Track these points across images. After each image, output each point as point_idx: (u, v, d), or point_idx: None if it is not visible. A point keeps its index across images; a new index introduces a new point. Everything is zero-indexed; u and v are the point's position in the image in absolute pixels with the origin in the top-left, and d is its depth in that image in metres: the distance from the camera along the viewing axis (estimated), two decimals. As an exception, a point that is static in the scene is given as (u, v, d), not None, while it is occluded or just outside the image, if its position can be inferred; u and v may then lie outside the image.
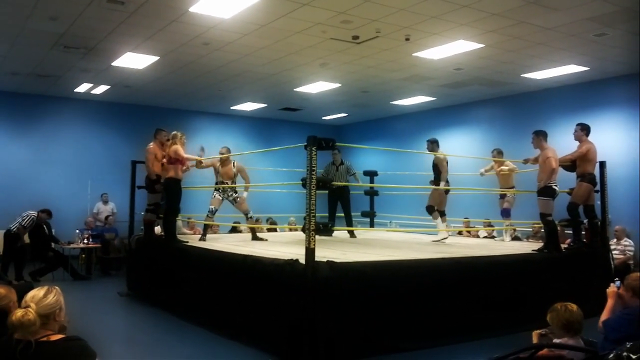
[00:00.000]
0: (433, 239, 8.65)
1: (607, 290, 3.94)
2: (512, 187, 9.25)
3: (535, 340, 3.50)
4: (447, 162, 8.43)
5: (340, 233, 9.65)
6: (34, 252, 10.47)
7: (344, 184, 9.37)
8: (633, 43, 8.55)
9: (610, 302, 3.85)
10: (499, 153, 9.34)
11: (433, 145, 8.50)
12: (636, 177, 9.98)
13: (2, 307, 3.00)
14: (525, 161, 8.35)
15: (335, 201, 9.71)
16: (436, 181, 8.61)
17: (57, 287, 2.74)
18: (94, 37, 8.85)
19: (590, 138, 7.81)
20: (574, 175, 7.98)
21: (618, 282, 3.97)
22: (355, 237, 9.53)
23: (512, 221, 9.54)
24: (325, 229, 6.43)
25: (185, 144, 8.44)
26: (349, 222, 9.73)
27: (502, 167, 9.24)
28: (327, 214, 9.75)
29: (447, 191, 8.69)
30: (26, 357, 2.47)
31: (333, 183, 8.84)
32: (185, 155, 8.33)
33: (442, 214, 8.53)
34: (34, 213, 10.22)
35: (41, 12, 7.71)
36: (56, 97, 13.60)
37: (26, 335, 2.50)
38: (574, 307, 3.42)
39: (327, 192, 9.29)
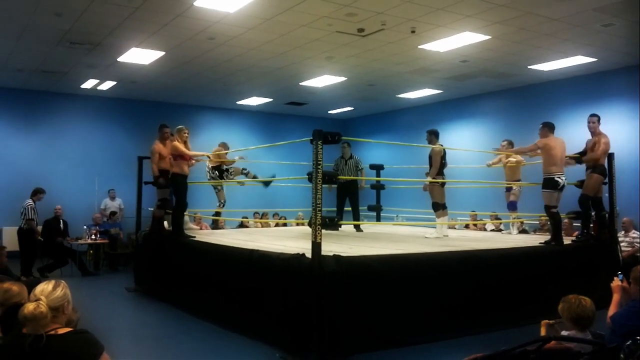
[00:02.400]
0: (426, 235, 8.44)
1: (612, 284, 3.90)
2: (519, 180, 9.20)
3: (543, 330, 3.48)
4: (443, 155, 8.18)
5: (347, 227, 9.64)
6: (45, 248, 10.56)
7: (352, 177, 9.35)
8: (641, 33, 8.48)
9: (616, 297, 3.82)
10: (509, 144, 9.26)
11: (432, 136, 8.34)
12: (644, 168, 9.92)
13: (16, 304, 3.03)
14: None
15: (343, 195, 9.68)
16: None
17: (63, 281, 2.78)
18: (99, 32, 8.85)
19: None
20: (578, 167, 7.93)
21: (621, 276, 3.94)
22: (361, 231, 9.52)
23: (519, 214, 9.49)
24: (332, 223, 6.42)
25: (189, 139, 8.51)
26: (356, 217, 9.72)
27: (510, 159, 9.20)
28: (334, 208, 9.75)
29: (443, 184, 8.56)
30: (36, 350, 2.49)
31: (340, 177, 8.86)
32: (189, 152, 8.37)
33: (443, 207, 8.43)
34: (28, 201, 10.24)
35: (46, 7, 7.72)
36: (62, 94, 13.65)
37: (36, 329, 2.52)
38: (588, 301, 3.37)
39: (335, 187, 9.31)
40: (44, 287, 2.67)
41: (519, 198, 9.31)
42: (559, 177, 7.36)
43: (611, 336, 3.40)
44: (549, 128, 7.58)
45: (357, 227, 9.57)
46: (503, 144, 9.35)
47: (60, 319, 2.65)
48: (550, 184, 7.36)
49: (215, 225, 10.92)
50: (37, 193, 10.44)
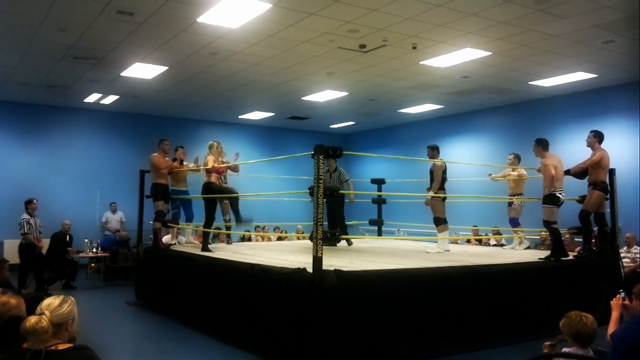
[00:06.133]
0: (428, 250, 8.44)
1: (611, 302, 3.88)
2: (521, 193, 9.13)
3: (545, 351, 3.46)
4: (444, 170, 8.23)
5: (344, 242, 9.55)
6: (49, 260, 10.54)
7: (348, 192, 9.28)
8: (641, 50, 8.53)
9: (615, 315, 3.78)
10: (515, 157, 9.22)
11: (433, 152, 8.39)
12: (645, 184, 9.91)
13: (13, 317, 3.02)
14: (540, 170, 8.33)
15: (328, 208, 9.54)
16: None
17: (72, 298, 2.74)
18: (103, 47, 8.93)
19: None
20: (583, 182, 7.94)
21: (623, 293, 3.91)
22: (351, 244, 9.40)
23: (519, 229, 9.43)
24: (332, 238, 6.41)
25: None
26: (342, 230, 9.60)
27: (511, 173, 9.18)
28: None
29: (444, 198, 8.55)
30: (35, 366, 2.47)
31: (341, 192, 8.83)
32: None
33: (445, 222, 8.43)
34: (23, 215, 10.03)
35: (51, 23, 7.79)
36: (65, 107, 13.72)
37: (37, 343, 2.50)
38: (590, 318, 3.36)
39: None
40: (51, 302, 2.63)
41: (520, 214, 9.26)
42: (560, 193, 7.38)
43: (612, 354, 3.36)
44: (542, 146, 7.61)
45: (348, 241, 9.49)
46: (510, 157, 9.34)
47: (62, 336, 2.61)
48: (550, 199, 7.36)
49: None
50: (27, 204, 10.15)
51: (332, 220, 9.50)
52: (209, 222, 8.25)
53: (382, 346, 5.57)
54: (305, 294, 5.41)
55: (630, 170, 9.93)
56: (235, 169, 9.41)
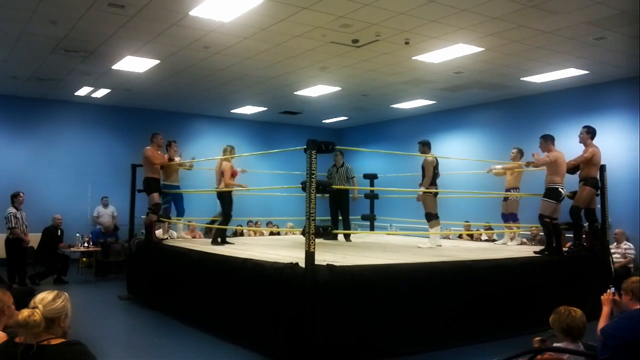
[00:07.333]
0: (420, 245, 8.48)
1: (602, 297, 3.92)
2: (517, 188, 9.09)
3: (535, 346, 3.49)
4: (435, 166, 8.22)
5: (339, 236, 9.61)
6: (40, 255, 10.47)
7: (342, 187, 9.29)
8: (632, 46, 8.56)
9: (605, 310, 3.83)
10: (519, 152, 9.22)
11: (424, 147, 8.41)
12: (636, 180, 9.97)
13: None
14: (528, 164, 8.35)
15: (334, 204, 9.61)
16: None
17: (66, 294, 2.74)
18: (94, 40, 8.86)
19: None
20: (573, 178, 7.98)
21: (613, 289, 3.96)
22: (350, 241, 9.46)
23: (512, 224, 9.48)
24: (326, 233, 6.43)
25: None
26: (346, 226, 9.66)
27: (506, 166, 9.16)
28: (327, 217, 9.72)
29: (436, 194, 8.56)
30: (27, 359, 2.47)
31: (333, 187, 8.84)
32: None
33: (436, 217, 8.46)
34: (10, 209, 9.91)
35: (42, 16, 7.72)
36: (56, 101, 13.62)
37: (29, 337, 2.51)
38: (578, 312, 3.40)
39: (328, 195, 9.23)
40: (45, 296, 2.64)
41: (517, 209, 9.25)
42: (562, 189, 7.44)
43: (602, 349, 3.40)
44: (551, 141, 7.66)
45: (347, 237, 9.54)
46: (513, 151, 9.34)
47: (55, 331, 2.61)
48: (553, 194, 7.41)
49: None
50: (14, 198, 10.02)
51: (334, 215, 9.55)
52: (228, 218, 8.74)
53: (374, 340, 5.60)
54: (297, 288, 5.42)
55: (621, 167, 10.00)
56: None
